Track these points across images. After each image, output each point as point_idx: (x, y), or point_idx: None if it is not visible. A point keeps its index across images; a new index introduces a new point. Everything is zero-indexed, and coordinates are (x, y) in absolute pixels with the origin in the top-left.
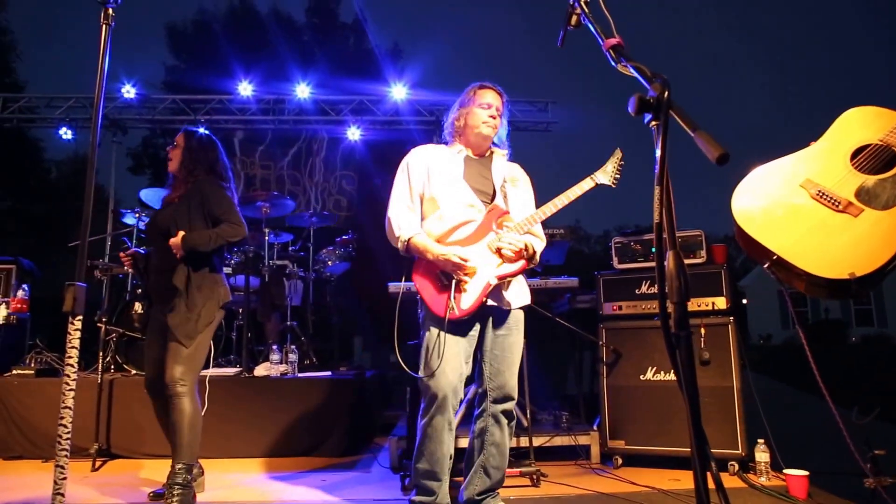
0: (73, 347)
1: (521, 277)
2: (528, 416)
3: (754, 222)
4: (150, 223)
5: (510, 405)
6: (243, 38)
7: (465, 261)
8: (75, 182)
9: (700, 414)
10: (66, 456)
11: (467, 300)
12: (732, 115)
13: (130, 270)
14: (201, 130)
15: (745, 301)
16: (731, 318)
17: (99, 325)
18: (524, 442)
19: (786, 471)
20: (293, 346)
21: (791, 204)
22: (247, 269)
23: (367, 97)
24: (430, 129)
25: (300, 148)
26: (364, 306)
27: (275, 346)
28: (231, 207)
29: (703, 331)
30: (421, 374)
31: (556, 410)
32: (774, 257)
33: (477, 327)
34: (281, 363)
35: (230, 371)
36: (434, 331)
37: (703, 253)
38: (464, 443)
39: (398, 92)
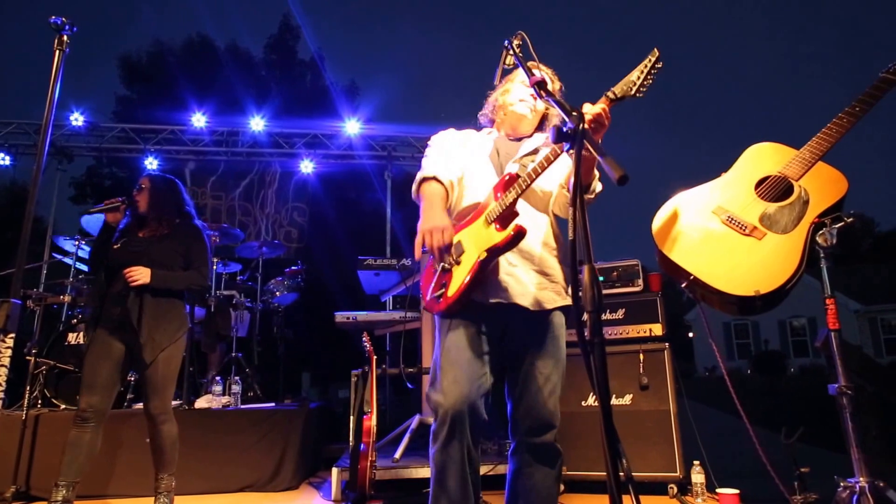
0: (2, 366)
1: (558, 272)
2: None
3: (672, 245)
4: (120, 251)
5: (549, 436)
6: (199, 72)
7: (446, 239)
8: (11, 211)
9: (611, 414)
10: None
11: (456, 283)
12: None
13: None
14: (147, 162)
15: (691, 335)
16: (667, 344)
17: (28, 357)
18: None
19: (718, 490)
20: (237, 378)
21: (705, 228)
22: (192, 299)
23: (321, 131)
24: (383, 163)
25: (252, 180)
26: (313, 339)
27: (217, 378)
28: (205, 258)
29: (641, 357)
30: (428, 387)
31: (502, 440)
32: (691, 277)
33: (502, 338)
34: (223, 395)
35: None
36: (442, 335)
37: (640, 281)
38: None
39: (352, 127)
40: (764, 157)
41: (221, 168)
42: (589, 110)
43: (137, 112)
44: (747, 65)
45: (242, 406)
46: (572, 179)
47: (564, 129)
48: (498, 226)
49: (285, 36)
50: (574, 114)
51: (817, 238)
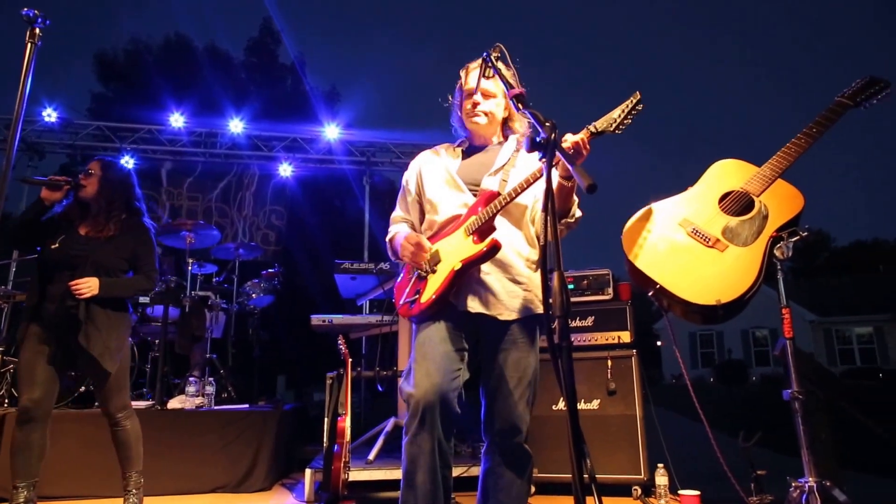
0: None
1: (533, 281)
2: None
3: (640, 254)
4: (59, 252)
5: (520, 439)
6: (177, 72)
7: (421, 245)
8: None
9: (577, 413)
10: None
11: (430, 290)
12: None
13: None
14: (123, 161)
15: (659, 343)
16: (635, 350)
17: None
18: None
19: (680, 492)
20: (211, 379)
21: (671, 239)
22: (166, 299)
23: (300, 135)
24: (361, 168)
25: (230, 181)
26: (289, 342)
27: (192, 379)
28: (152, 260)
29: (609, 363)
30: (402, 381)
31: (475, 442)
32: (657, 286)
33: (476, 341)
34: (198, 395)
35: (142, 404)
36: (418, 330)
37: (611, 290)
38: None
39: (331, 132)
40: (728, 173)
41: (199, 169)
42: (569, 138)
43: (113, 110)
44: (718, 84)
45: (216, 407)
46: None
47: (538, 139)
48: (476, 238)
49: (266, 39)
50: (547, 124)
51: (775, 251)
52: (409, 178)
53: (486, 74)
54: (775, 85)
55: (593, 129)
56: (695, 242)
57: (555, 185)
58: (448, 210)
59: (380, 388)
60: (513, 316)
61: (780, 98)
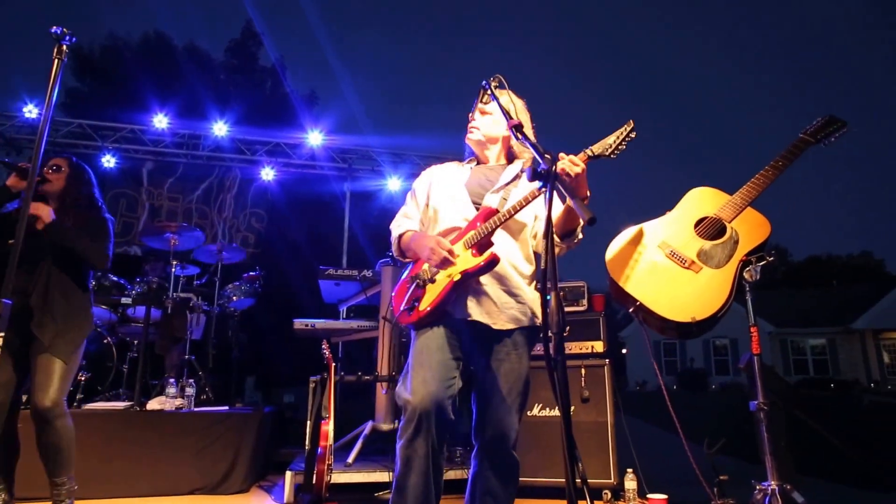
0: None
1: (527, 294)
2: None
3: (622, 274)
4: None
5: (508, 445)
6: (157, 70)
7: (445, 246)
8: None
9: (571, 422)
10: None
11: (429, 298)
12: None
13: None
14: (104, 159)
15: (624, 350)
16: (608, 360)
17: None
18: None
19: (648, 495)
20: (191, 381)
21: (651, 260)
22: (148, 300)
23: (283, 140)
24: (343, 174)
25: (211, 183)
26: (261, 343)
27: (172, 380)
28: (106, 244)
29: (583, 371)
30: (399, 386)
31: (451, 446)
32: (637, 303)
33: (471, 350)
34: (177, 397)
35: (119, 405)
36: (416, 336)
37: (585, 302)
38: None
39: (314, 138)
40: (703, 200)
41: (180, 170)
42: (566, 165)
43: (89, 106)
44: (707, 99)
45: (196, 409)
46: (555, 215)
47: (539, 170)
48: (475, 251)
49: (248, 42)
50: (547, 156)
51: (744, 273)
52: (418, 186)
53: (483, 101)
54: (768, 93)
55: (590, 153)
56: (672, 264)
57: (562, 208)
58: (449, 221)
59: (383, 392)
60: (507, 326)
61: (772, 106)
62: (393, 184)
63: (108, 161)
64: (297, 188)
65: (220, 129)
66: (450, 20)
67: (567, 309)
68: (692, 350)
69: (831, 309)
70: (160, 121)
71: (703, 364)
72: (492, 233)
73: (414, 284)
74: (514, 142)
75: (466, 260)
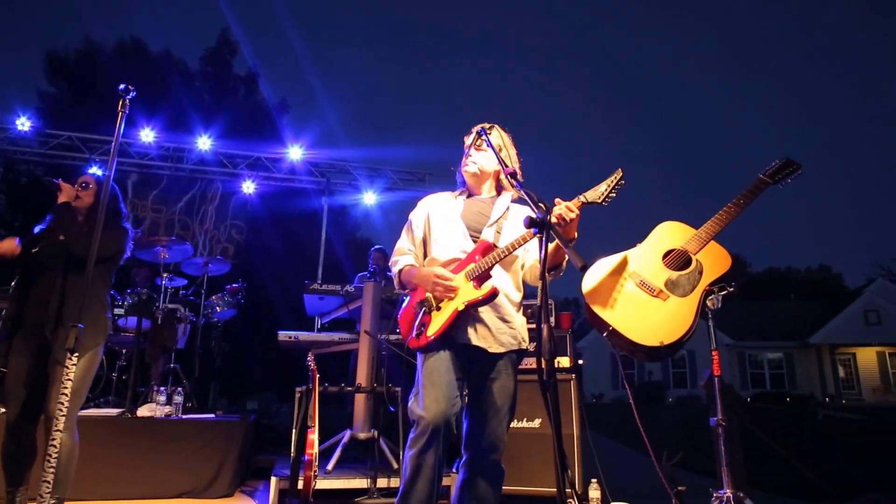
0: (68, 380)
1: (517, 321)
2: (401, 458)
3: (597, 300)
4: (41, 255)
5: (496, 455)
6: (135, 78)
7: (447, 278)
8: None
9: (562, 437)
10: None
11: (435, 325)
12: None
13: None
14: (91, 170)
15: (581, 361)
16: (573, 375)
17: None
18: (395, 482)
19: (612, 503)
20: (178, 389)
21: (622, 288)
22: (139, 311)
23: (264, 154)
24: (321, 187)
25: (194, 195)
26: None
27: (161, 388)
28: (120, 241)
29: None
30: (411, 402)
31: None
32: (610, 328)
33: (468, 370)
34: (166, 405)
35: (112, 411)
36: (424, 359)
37: (553, 319)
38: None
39: (295, 153)
40: (671, 233)
41: (164, 182)
42: (562, 211)
43: (63, 111)
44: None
45: (183, 416)
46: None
47: (535, 217)
48: (476, 284)
49: (223, 50)
50: (541, 205)
51: (707, 302)
52: (415, 218)
53: (477, 145)
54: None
55: (584, 200)
56: (642, 292)
57: (552, 246)
58: (450, 252)
59: (391, 409)
60: (501, 349)
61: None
62: (368, 198)
63: (95, 172)
64: (276, 201)
65: (203, 143)
66: (426, 40)
67: (532, 326)
68: (651, 363)
69: (789, 322)
70: (147, 134)
71: (662, 376)
72: (491, 267)
73: (421, 311)
74: (502, 175)
75: (469, 291)
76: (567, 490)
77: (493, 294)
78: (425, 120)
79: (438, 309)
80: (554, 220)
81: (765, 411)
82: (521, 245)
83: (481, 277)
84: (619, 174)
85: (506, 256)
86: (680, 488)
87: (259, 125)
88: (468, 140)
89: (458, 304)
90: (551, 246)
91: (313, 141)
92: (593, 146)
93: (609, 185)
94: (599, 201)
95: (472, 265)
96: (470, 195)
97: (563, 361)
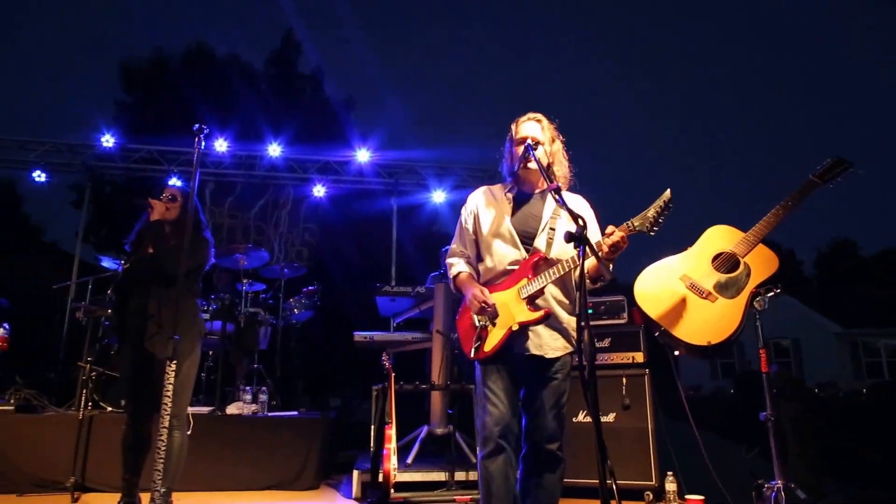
0: (169, 383)
1: (566, 324)
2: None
3: (648, 303)
4: (133, 270)
5: (554, 446)
6: (204, 85)
7: (487, 304)
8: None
9: (602, 431)
10: None
11: (490, 342)
12: None
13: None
14: (172, 182)
15: (676, 353)
16: (647, 370)
17: (81, 364)
18: (473, 476)
19: (687, 496)
20: (263, 388)
21: (673, 291)
22: (223, 315)
23: (333, 158)
24: (389, 188)
25: (267, 200)
26: (313, 353)
27: (247, 388)
28: (204, 251)
29: (624, 380)
30: (477, 409)
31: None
32: (662, 328)
33: (524, 374)
34: (252, 403)
35: (203, 409)
36: (483, 371)
37: (625, 315)
38: None
39: (362, 155)
40: (720, 237)
41: (238, 189)
42: (610, 240)
43: (141, 121)
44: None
45: (269, 413)
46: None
47: (574, 233)
48: (529, 306)
49: (288, 50)
50: (579, 220)
51: (755, 303)
52: (466, 216)
53: (526, 158)
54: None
55: (631, 227)
56: (692, 294)
57: (594, 261)
58: (503, 262)
59: (450, 412)
60: (555, 354)
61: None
62: (437, 196)
63: (176, 184)
64: (346, 203)
65: (274, 150)
66: (492, 30)
67: (608, 322)
68: (750, 351)
69: None
70: (220, 145)
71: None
72: (543, 289)
73: (479, 326)
74: (555, 161)
75: (522, 312)
76: (608, 482)
77: (547, 316)
78: (490, 115)
79: (494, 325)
80: (606, 249)
81: (887, 403)
82: (575, 266)
83: (532, 297)
84: (666, 196)
85: (557, 278)
86: (760, 481)
87: (325, 124)
88: (518, 129)
89: (513, 323)
90: (593, 264)
91: (379, 142)
92: (662, 147)
93: (658, 210)
94: (647, 230)
95: (524, 282)
96: (519, 192)
97: (637, 356)
